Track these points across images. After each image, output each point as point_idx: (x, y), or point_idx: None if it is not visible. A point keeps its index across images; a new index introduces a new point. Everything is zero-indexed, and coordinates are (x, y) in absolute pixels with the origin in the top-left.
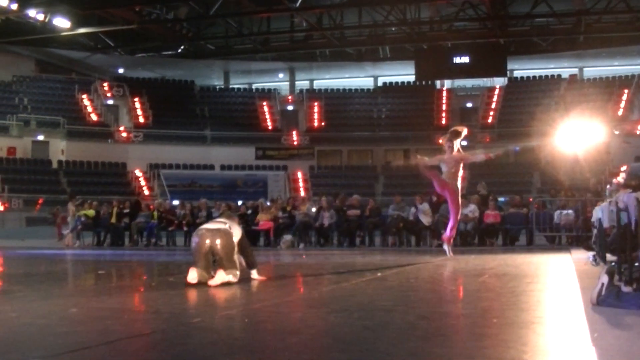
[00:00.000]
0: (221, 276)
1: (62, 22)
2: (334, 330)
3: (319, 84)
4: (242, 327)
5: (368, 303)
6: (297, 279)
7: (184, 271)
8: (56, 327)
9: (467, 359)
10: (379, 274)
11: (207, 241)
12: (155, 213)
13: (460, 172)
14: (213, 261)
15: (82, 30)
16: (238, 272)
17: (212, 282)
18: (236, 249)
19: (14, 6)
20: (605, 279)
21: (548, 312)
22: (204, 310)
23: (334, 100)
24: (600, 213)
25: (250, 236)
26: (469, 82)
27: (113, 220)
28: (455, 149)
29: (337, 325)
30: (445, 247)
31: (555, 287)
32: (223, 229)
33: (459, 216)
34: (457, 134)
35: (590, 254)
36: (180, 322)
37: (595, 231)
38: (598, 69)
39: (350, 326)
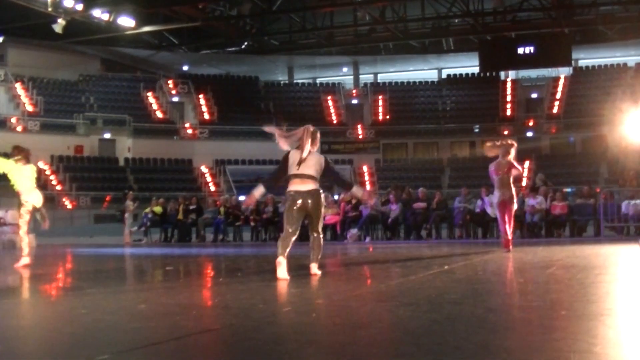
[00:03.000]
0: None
1: (126, 21)
2: (403, 324)
3: (383, 77)
4: (311, 322)
5: (436, 296)
6: (365, 273)
7: (252, 266)
8: (126, 323)
9: (536, 351)
10: (446, 267)
11: (300, 201)
12: (222, 209)
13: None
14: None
15: (146, 28)
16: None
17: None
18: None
19: (79, 7)
20: None
21: (617, 304)
22: (272, 306)
23: (398, 93)
24: None
25: None
26: (533, 73)
27: (180, 216)
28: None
29: (406, 318)
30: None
31: (624, 279)
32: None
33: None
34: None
35: None
36: (248, 317)
37: None
38: None
39: (419, 320)
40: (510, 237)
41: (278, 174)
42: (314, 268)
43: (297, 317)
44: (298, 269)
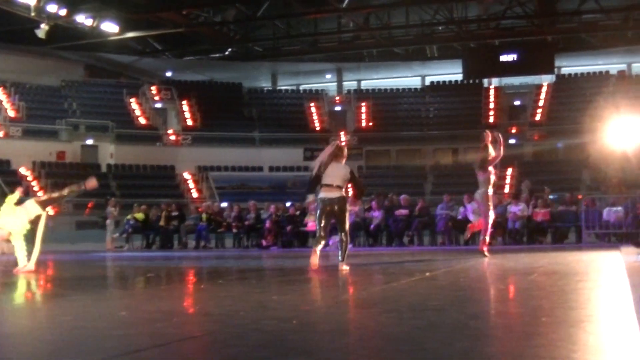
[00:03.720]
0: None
1: (110, 27)
2: (385, 331)
3: (366, 84)
4: (293, 329)
5: (418, 303)
6: (347, 279)
7: (234, 273)
8: (108, 330)
9: (517, 358)
10: (428, 274)
11: (328, 207)
12: (204, 215)
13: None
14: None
15: (130, 34)
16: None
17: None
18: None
19: (63, 12)
20: None
21: (598, 310)
22: (254, 312)
23: (382, 100)
24: None
25: (300, 237)
26: (516, 80)
27: (162, 223)
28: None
29: (388, 325)
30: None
31: (605, 285)
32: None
33: (488, 220)
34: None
35: None
36: (230, 324)
37: None
38: None
39: (401, 326)
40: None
41: (315, 183)
42: (343, 266)
43: (279, 324)
44: (278, 276)
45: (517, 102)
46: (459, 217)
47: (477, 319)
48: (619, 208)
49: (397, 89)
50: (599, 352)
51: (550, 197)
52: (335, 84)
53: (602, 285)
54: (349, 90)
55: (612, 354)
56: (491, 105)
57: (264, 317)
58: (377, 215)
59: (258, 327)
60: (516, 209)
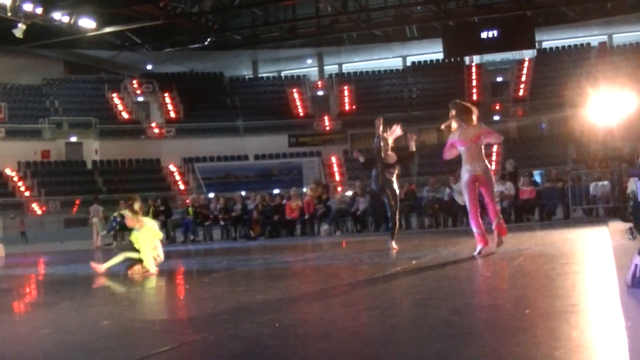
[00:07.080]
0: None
1: (87, 23)
2: (364, 332)
3: (348, 67)
4: (273, 333)
5: (401, 298)
6: (332, 272)
7: (221, 269)
8: (86, 344)
9: (496, 359)
10: (414, 262)
11: None
12: (191, 209)
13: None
14: None
15: (108, 29)
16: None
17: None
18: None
19: (39, 10)
20: (638, 260)
21: (583, 298)
22: (235, 316)
23: (364, 82)
24: (635, 185)
25: (285, 225)
26: (498, 57)
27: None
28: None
29: (368, 325)
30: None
31: (591, 268)
32: None
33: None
34: (466, 110)
35: (628, 225)
36: (211, 330)
37: (631, 203)
38: (628, 34)
39: (381, 326)
40: (497, 223)
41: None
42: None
43: (259, 329)
44: (262, 272)
45: (499, 79)
46: (445, 198)
47: (459, 314)
48: (605, 182)
49: (379, 71)
50: (581, 348)
51: (536, 171)
52: (317, 69)
53: (588, 268)
54: (330, 75)
55: (595, 350)
56: (473, 83)
57: (245, 320)
58: (362, 201)
59: (237, 333)
60: (502, 187)
